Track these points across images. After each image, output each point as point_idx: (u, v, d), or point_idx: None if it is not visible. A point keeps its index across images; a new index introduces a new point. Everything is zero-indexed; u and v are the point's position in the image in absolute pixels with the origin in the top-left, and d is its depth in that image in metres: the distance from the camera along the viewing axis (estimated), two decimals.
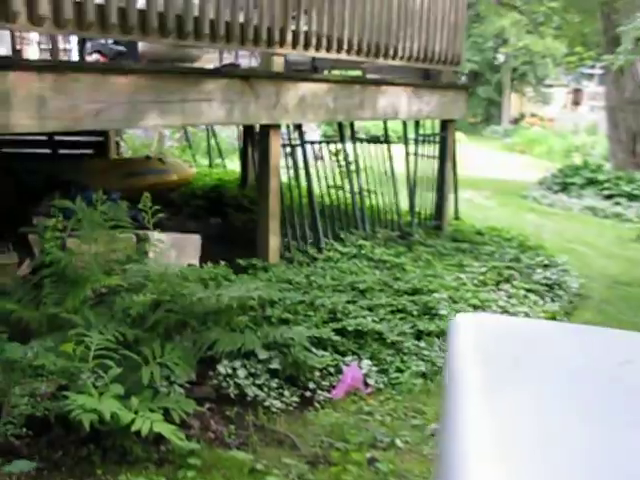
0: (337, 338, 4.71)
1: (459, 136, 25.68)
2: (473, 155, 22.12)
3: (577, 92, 32.30)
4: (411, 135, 8.34)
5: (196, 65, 6.97)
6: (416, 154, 8.04)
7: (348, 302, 5.27)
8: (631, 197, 13.67)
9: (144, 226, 4.75)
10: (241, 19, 5.39)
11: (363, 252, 6.81)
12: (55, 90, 4.28)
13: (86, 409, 3.24)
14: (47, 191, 6.87)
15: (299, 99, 6.03)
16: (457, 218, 9.17)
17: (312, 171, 7.21)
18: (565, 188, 14.41)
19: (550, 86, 31.62)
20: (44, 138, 9.73)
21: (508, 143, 25.08)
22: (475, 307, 5.83)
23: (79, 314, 4.03)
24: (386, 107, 7.02)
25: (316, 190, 7.49)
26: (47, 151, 9.98)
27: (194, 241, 5.90)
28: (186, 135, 12.81)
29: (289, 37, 5.83)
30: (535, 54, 26.74)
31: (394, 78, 7.32)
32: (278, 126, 6.00)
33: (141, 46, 6.82)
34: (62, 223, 4.48)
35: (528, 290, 6.62)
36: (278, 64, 5.91)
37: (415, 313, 5.37)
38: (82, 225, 4.43)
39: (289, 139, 6.92)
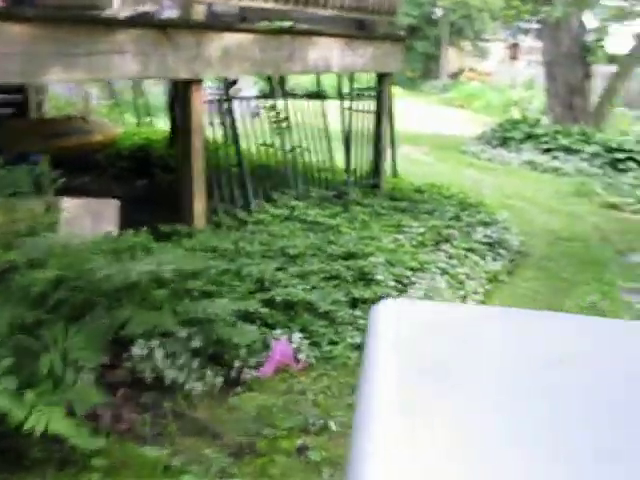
0: (265, 310, 4.32)
1: (397, 91, 25.33)
2: (412, 110, 21.74)
3: (514, 46, 32.05)
4: (346, 89, 7.91)
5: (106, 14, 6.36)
6: (351, 109, 7.61)
7: (278, 270, 4.86)
8: (569, 151, 13.52)
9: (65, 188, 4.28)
10: None
11: (296, 214, 6.40)
12: None
13: None
14: None
15: (223, 51, 5.53)
16: (395, 175, 8.79)
17: (242, 129, 6.75)
18: (504, 143, 14.18)
19: (488, 40, 31.32)
20: None
21: (447, 98, 24.76)
22: (413, 269, 5.49)
23: None
24: (318, 60, 6.56)
25: (248, 149, 7.03)
26: None
27: (112, 206, 5.39)
28: (112, 92, 12.12)
29: None
30: (472, 8, 26.35)
31: (326, 29, 6.84)
32: (200, 81, 5.49)
33: None
34: None
35: (468, 250, 6.32)
36: (199, 13, 5.39)
37: (350, 279, 5.00)
38: None
39: (221, 95, 6.45)
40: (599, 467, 1.00)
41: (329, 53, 6.70)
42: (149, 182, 7.91)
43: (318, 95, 7.42)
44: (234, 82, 18.28)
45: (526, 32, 32.26)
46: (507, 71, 28.41)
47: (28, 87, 9.49)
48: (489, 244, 6.71)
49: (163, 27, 5.08)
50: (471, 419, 1.10)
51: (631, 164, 13.27)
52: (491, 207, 8.09)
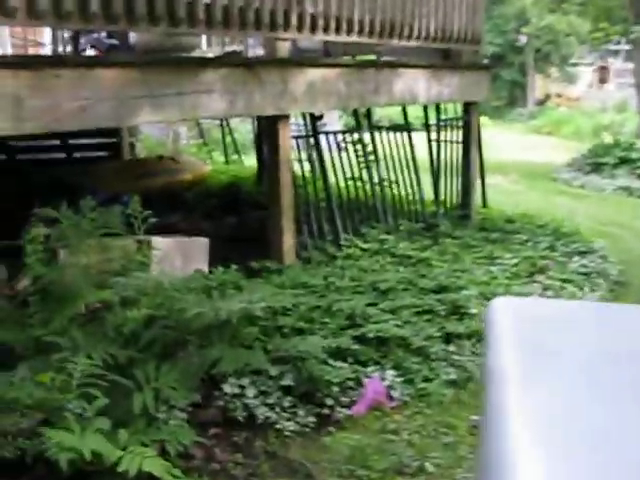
0: (357, 347, 4.22)
1: (483, 120, 25.04)
2: (499, 139, 21.44)
3: (603, 69, 31.33)
4: (433, 120, 7.81)
5: (195, 55, 6.53)
6: (438, 140, 7.50)
7: (368, 305, 4.77)
8: None
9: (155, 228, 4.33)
10: (240, 2, 4.90)
11: (385, 247, 6.31)
12: (32, 88, 3.83)
13: (64, 447, 2.80)
14: (54, 195, 6.48)
15: (308, 86, 5.53)
16: (485, 206, 8.60)
17: (330, 163, 6.73)
18: (596, 169, 13.75)
19: (575, 65, 30.66)
20: (57, 143, 9.38)
21: (534, 125, 24.30)
22: None
23: (67, 335, 3.59)
24: (403, 91, 6.50)
25: (335, 183, 7.00)
26: (62, 155, 9.64)
27: (201, 245, 5.43)
28: (200, 131, 12.36)
29: (294, 19, 5.33)
30: (558, 33, 25.93)
31: (410, 60, 6.79)
32: (286, 116, 5.51)
33: (133, 37, 6.38)
34: (46, 233, 4.03)
35: (564, 280, 6.07)
36: (283, 50, 5.42)
37: (442, 313, 4.86)
38: (67, 234, 3.98)
39: (307, 130, 6.47)
40: None
41: (414, 84, 6.63)
42: (238, 219, 7.96)
43: (405, 127, 7.34)
44: (320, 117, 18.43)
45: (615, 54, 31.52)
46: (596, 95, 27.76)
47: (122, 130, 9.76)
48: (586, 274, 6.44)
49: (249, 65, 5.12)
50: (599, 414, 1.06)
51: None
52: (586, 236, 7.80)
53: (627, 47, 26.97)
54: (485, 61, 26.25)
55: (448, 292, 5.14)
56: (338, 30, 5.75)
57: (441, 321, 4.76)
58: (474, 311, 4.90)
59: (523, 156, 17.65)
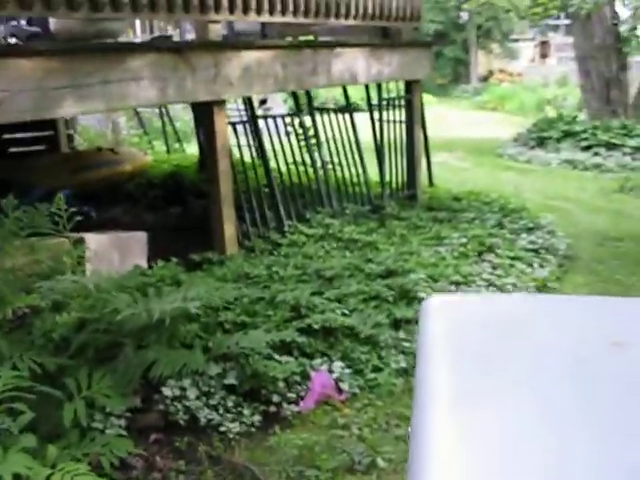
0: (302, 339, 4.04)
1: (429, 98, 24.98)
2: (444, 116, 21.40)
3: (544, 44, 31.50)
4: (376, 100, 7.65)
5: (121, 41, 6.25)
6: (381, 120, 7.34)
7: (313, 294, 4.58)
8: (609, 146, 13.06)
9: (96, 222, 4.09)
10: None
11: (331, 232, 6.14)
12: None
13: None
14: None
15: (243, 70, 5.31)
16: (432, 184, 8.48)
17: (272, 148, 6.53)
18: (541, 143, 13.76)
19: (516, 40, 30.78)
20: None
21: (479, 101, 24.34)
22: (457, 283, 5.19)
23: None
24: (342, 72, 6.31)
25: (278, 168, 6.81)
26: None
27: (139, 239, 5.20)
28: (140, 121, 12.01)
29: (225, 1, 5.10)
30: (499, 9, 25.94)
31: (348, 39, 6.59)
32: (222, 101, 5.28)
33: (53, 24, 6.06)
34: None
35: (513, 258, 5.99)
36: (215, 33, 5.19)
37: (390, 299, 4.70)
38: None
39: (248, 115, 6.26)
40: None
41: (354, 64, 6.45)
42: (182, 209, 7.72)
43: (346, 108, 7.17)
44: (264, 101, 18.11)
45: (555, 29, 31.75)
46: (538, 70, 27.91)
47: (58, 122, 9.41)
48: (535, 250, 6.37)
49: (178, 50, 4.88)
50: (531, 408, 1.04)
51: None
52: (534, 211, 7.74)
53: (567, 22, 27.16)
54: (427, 38, 26.27)
55: (396, 276, 5.00)
56: (272, 11, 5.53)
57: (389, 307, 4.61)
58: (423, 295, 4.76)
59: (469, 133, 17.63)
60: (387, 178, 7.55)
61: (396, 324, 4.47)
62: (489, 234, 6.32)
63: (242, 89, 5.41)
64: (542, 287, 5.80)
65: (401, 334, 4.38)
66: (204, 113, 5.34)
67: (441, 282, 5.09)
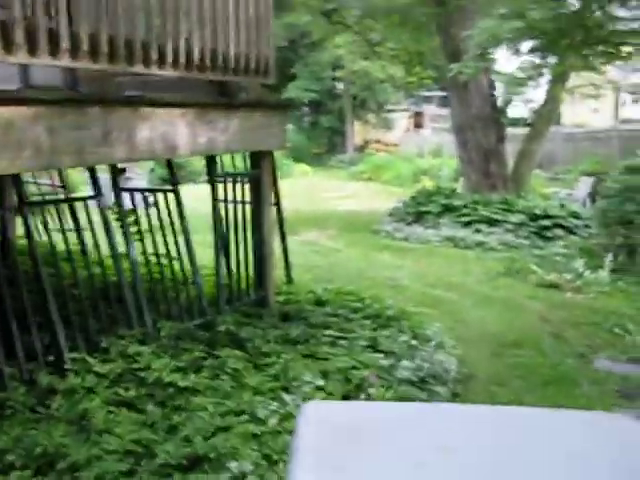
0: None
1: (304, 168, 23.45)
2: (318, 188, 19.82)
3: (418, 115, 30.78)
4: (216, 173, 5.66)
5: None
6: (215, 200, 5.33)
7: None
8: (491, 222, 11.67)
9: None
10: None
11: (135, 367, 4.06)
12: None
13: None
14: None
15: None
16: (289, 281, 6.47)
17: (47, 239, 4.44)
18: (420, 218, 12.22)
19: (392, 111, 29.91)
20: None
21: (355, 171, 22.93)
22: None
23: None
24: (153, 140, 4.30)
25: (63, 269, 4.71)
26: None
27: None
28: None
29: None
30: (374, 79, 24.90)
31: (163, 96, 4.59)
32: None
33: None
34: None
35: (396, 399, 4.07)
36: None
37: None
38: None
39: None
40: None
41: (172, 130, 4.45)
42: None
43: (172, 184, 5.16)
44: (122, 170, 15.76)
45: (429, 100, 31.14)
46: (413, 140, 27.00)
47: None
48: (420, 381, 4.50)
49: None
50: None
51: (558, 231, 11.51)
52: (416, 317, 5.89)
53: (440, 93, 26.47)
54: (305, 110, 24.79)
55: (203, 470, 2.93)
56: (32, 50, 3.49)
57: None
58: None
59: (344, 205, 16.01)
60: (225, 279, 5.53)
61: None
62: (358, 363, 4.38)
63: None
64: None
65: None
66: None
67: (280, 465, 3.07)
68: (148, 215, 5.13)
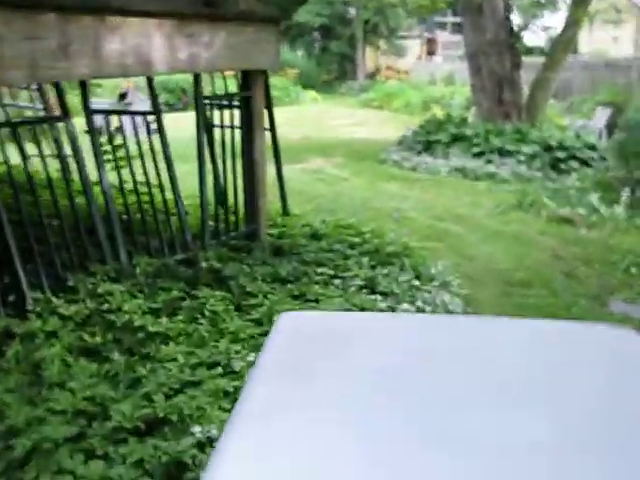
0: None
1: (313, 95, 22.65)
2: (327, 115, 19.12)
3: (431, 42, 29.66)
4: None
5: None
6: (199, 125, 4.79)
7: None
8: (503, 153, 11.04)
9: None
10: None
11: (105, 308, 3.62)
12: None
13: None
14: None
15: None
16: (286, 213, 5.96)
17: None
18: (429, 147, 11.60)
19: (404, 37, 28.79)
20: None
21: (365, 99, 22.14)
22: None
23: None
24: (124, 55, 3.75)
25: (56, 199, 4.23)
26: None
27: None
28: None
29: None
30: (386, 3, 23.79)
31: (134, 2, 3.99)
32: None
33: None
34: None
35: None
36: None
37: None
38: None
39: None
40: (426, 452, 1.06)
41: (145, 43, 3.90)
42: None
43: (154, 108, 4.62)
44: (123, 95, 14.96)
45: (442, 26, 29.97)
46: (425, 68, 26.00)
47: None
48: None
49: None
50: (326, 427, 1.13)
51: (573, 163, 10.88)
52: (420, 253, 5.41)
53: (453, 19, 25.39)
54: (316, 34, 23.87)
55: (164, 434, 2.51)
56: None
57: None
58: None
59: (352, 133, 15.37)
60: (214, 209, 5.04)
61: None
62: (353, 306, 3.92)
63: None
64: None
65: None
66: None
67: None
68: (141, 142, 4.60)
